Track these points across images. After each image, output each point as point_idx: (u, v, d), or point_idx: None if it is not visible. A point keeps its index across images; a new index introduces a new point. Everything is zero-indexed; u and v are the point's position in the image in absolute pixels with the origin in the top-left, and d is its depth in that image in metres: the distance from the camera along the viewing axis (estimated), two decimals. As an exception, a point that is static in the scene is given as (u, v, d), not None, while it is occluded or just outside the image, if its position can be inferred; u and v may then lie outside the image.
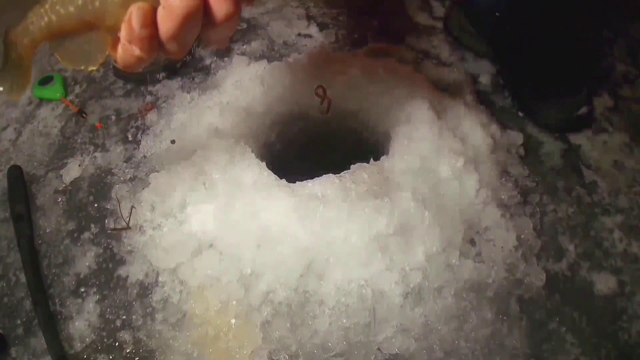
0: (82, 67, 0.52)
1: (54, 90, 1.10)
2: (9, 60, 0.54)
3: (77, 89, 1.13)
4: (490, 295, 0.80)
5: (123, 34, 0.48)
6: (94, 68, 0.52)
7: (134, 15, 0.46)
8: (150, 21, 0.47)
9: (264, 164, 0.85)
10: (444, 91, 1.03)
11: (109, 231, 0.88)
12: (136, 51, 0.48)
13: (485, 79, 1.14)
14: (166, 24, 0.46)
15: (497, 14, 1.06)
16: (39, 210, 0.92)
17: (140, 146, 0.99)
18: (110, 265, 0.85)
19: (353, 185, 0.80)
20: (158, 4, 0.46)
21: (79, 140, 1.03)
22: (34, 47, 0.53)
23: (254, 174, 0.82)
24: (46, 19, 0.50)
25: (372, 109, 0.98)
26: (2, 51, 0.54)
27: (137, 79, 1.11)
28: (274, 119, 0.99)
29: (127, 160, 0.98)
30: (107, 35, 0.50)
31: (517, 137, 1.01)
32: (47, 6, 0.49)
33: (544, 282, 0.83)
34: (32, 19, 0.51)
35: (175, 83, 1.11)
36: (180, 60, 1.14)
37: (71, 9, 0.48)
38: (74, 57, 0.52)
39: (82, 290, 0.82)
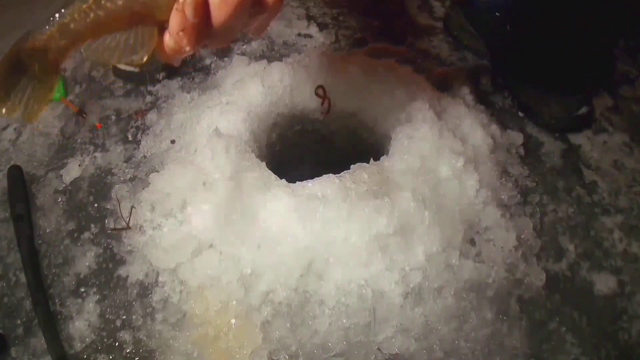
0: (129, 62, 0.48)
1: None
2: (28, 75, 0.49)
3: (77, 89, 1.13)
4: (490, 295, 0.80)
5: (175, 23, 0.47)
6: (143, 62, 0.49)
7: (187, 5, 0.46)
8: (202, 10, 0.47)
9: (264, 164, 0.85)
10: (444, 91, 1.03)
11: (109, 231, 0.88)
12: (186, 40, 0.48)
13: (485, 79, 1.15)
14: (219, 12, 0.47)
15: (497, 14, 1.07)
16: (39, 210, 0.92)
17: (140, 146, 0.99)
18: (110, 265, 0.85)
19: (353, 185, 0.80)
20: None
21: (79, 140, 1.03)
22: (70, 50, 0.49)
23: (254, 174, 0.82)
24: (92, 15, 0.47)
25: (372, 109, 0.98)
26: (11, 67, 0.49)
27: (137, 79, 1.11)
28: (274, 119, 0.99)
29: (127, 160, 0.98)
30: (154, 28, 0.48)
31: (517, 137, 1.01)
32: (91, 2, 0.46)
33: (544, 282, 0.83)
34: (73, 16, 0.47)
35: (175, 83, 1.11)
36: (181, 60, 1.14)
37: (120, 2, 0.46)
38: (119, 53, 0.49)
39: (82, 290, 0.82)
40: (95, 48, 0.49)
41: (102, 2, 0.46)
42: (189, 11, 0.46)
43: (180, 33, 0.48)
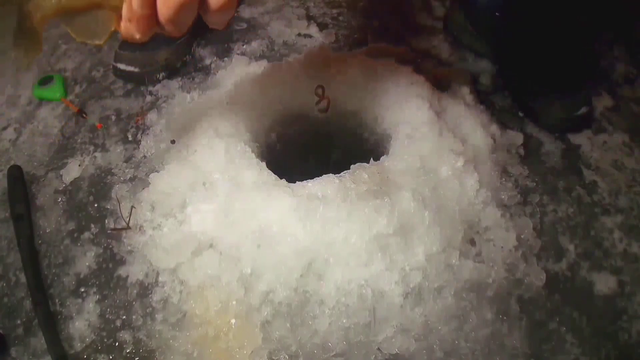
0: (90, 41, 0.59)
1: (54, 90, 1.10)
2: (24, 29, 0.61)
3: (77, 89, 1.13)
4: (490, 295, 0.80)
5: (124, 12, 0.52)
6: (100, 43, 0.58)
7: None
8: (149, 3, 0.50)
9: (264, 164, 0.85)
10: (444, 91, 1.03)
11: (109, 231, 0.88)
12: (135, 29, 0.53)
13: (485, 79, 1.14)
14: (163, 9, 0.50)
15: (497, 13, 1.06)
16: (39, 210, 0.92)
17: (140, 146, 0.99)
18: (110, 265, 0.85)
19: (353, 185, 0.80)
20: None
21: (79, 140, 1.03)
22: (44, 21, 0.60)
23: (254, 174, 0.82)
24: None
25: (372, 109, 0.98)
26: (16, 21, 0.61)
27: (137, 79, 1.11)
28: (274, 119, 0.99)
29: (127, 160, 0.98)
30: (112, 13, 0.55)
31: (517, 137, 1.01)
32: None
33: (544, 282, 0.83)
34: None
35: (175, 83, 1.11)
36: (181, 60, 1.15)
37: None
38: (83, 31, 0.58)
39: (82, 290, 0.82)
40: (68, 22, 0.59)
41: None
42: (135, 5, 0.50)
43: (128, 22, 0.52)
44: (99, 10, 0.56)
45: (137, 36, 0.53)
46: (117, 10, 0.54)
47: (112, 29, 0.56)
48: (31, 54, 0.65)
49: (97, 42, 0.58)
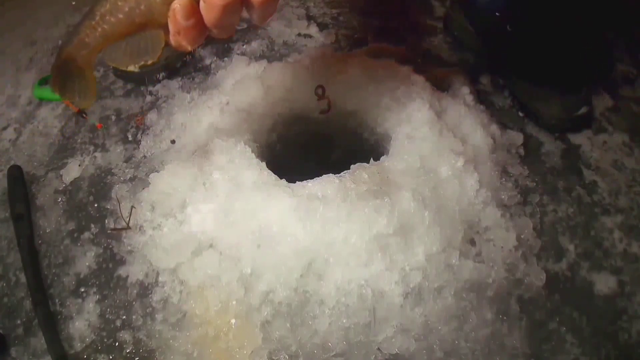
0: (143, 62, 0.60)
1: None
2: (70, 74, 0.61)
3: (77, 89, 1.13)
4: (490, 295, 0.80)
5: (170, 27, 0.53)
6: (155, 60, 0.58)
7: (177, 11, 0.51)
8: (193, 13, 0.52)
9: (264, 164, 0.85)
10: (444, 91, 1.03)
11: (109, 231, 0.88)
12: (185, 40, 0.54)
13: (485, 79, 1.14)
14: (208, 15, 0.51)
15: (497, 13, 1.06)
16: (39, 210, 0.92)
17: (140, 146, 0.99)
18: (110, 265, 0.85)
19: (353, 185, 0.80)
20: None
21: (79, 140, 1.03)
22: (92, 56, 0.60)
23: (254, 174, 0.82)
24: (100, 29, 0.56)
25: (372, 109, 0.98)
26: (57, 68, 0.61)
27: (137, 79, 1.11)
28: (274, 119, 0.99)
29: (127, 160, 0.98)
30: (159, 30, 0.56)
31: (517, 137, 1.01)
32: (97, 19, 0.55)
33: (544, 282, 0.83)
34: (86, 32, 0.57)
35: (175, 83, 1.11)
36: (181, 60, 1.14)
37: (121, 16, 0.54)
38: (132, 57, 0.59)
39: (82, 290, 0.82)
40: (115, 55, 0.59)
41: (106, 17, 0.55)
42: (179, 18, 0.52)
43: (177, 35, 0.53)
44: (144, 30, 0.56)
45: (189, 47, 0.54)
46: (162, 25, 0.54)
47: (163, 44, 0.56)
48: (88, 98, 0.64)
49: (150, 60, 0.58)
